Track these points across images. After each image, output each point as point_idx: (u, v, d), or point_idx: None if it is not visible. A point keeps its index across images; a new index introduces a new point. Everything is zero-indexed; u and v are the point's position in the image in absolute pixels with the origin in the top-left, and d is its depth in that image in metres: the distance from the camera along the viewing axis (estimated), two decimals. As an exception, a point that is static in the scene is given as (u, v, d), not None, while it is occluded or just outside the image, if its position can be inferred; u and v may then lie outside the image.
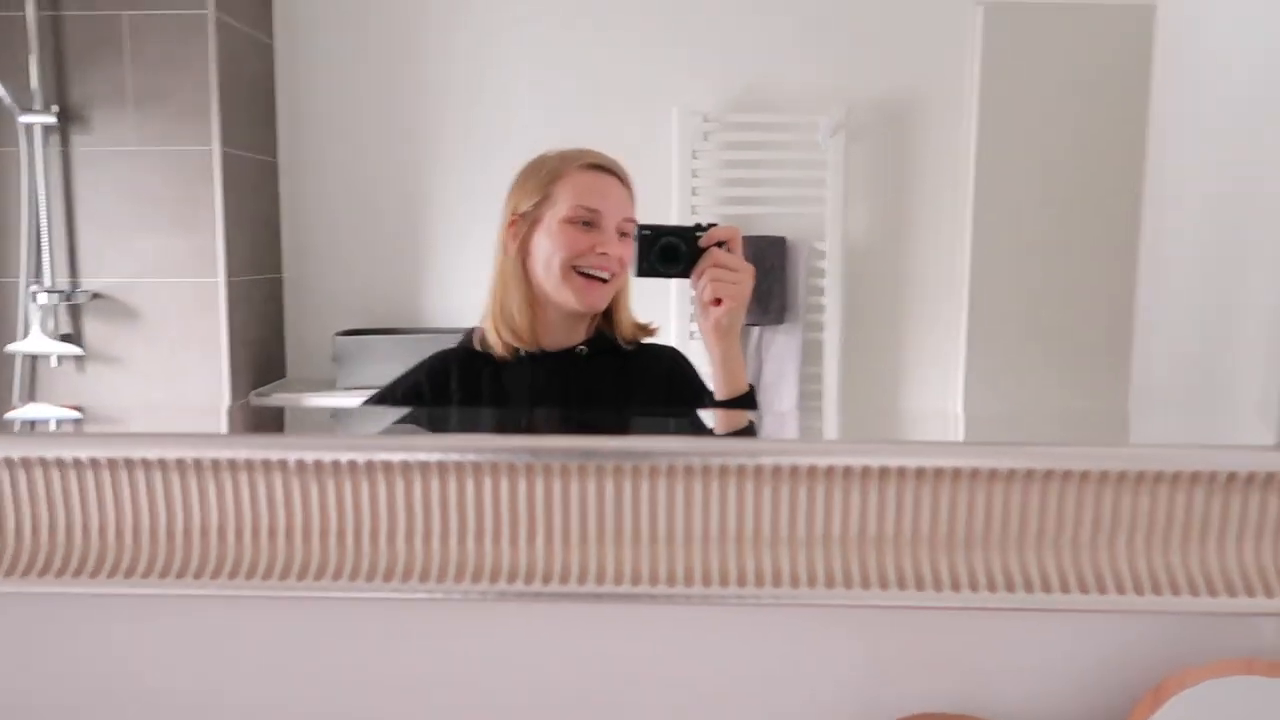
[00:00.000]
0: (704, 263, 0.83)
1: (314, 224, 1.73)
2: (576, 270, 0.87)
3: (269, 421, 0.80)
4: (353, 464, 0.56)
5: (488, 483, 0.56)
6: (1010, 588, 0.59)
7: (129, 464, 0.56)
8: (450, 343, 0.94)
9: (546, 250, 0.87)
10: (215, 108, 1.47)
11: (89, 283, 1.49)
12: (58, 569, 0.55)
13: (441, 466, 0.56)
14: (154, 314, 1.50)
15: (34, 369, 1.45)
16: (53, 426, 0.66)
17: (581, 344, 0.91)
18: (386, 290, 1.72)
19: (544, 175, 0.89)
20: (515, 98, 1.69)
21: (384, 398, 0.91)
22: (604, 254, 0.86)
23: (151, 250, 1.49)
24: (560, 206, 0.87)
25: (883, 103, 1.75)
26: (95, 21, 1.51)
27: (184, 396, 1.46)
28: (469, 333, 0.92)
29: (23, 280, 1.49)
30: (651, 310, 0.96)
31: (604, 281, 0.87)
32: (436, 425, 0.72)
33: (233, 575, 0.57)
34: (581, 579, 0.58)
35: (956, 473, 0.57)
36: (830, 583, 0.59)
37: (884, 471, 0.57)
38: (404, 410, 0.80)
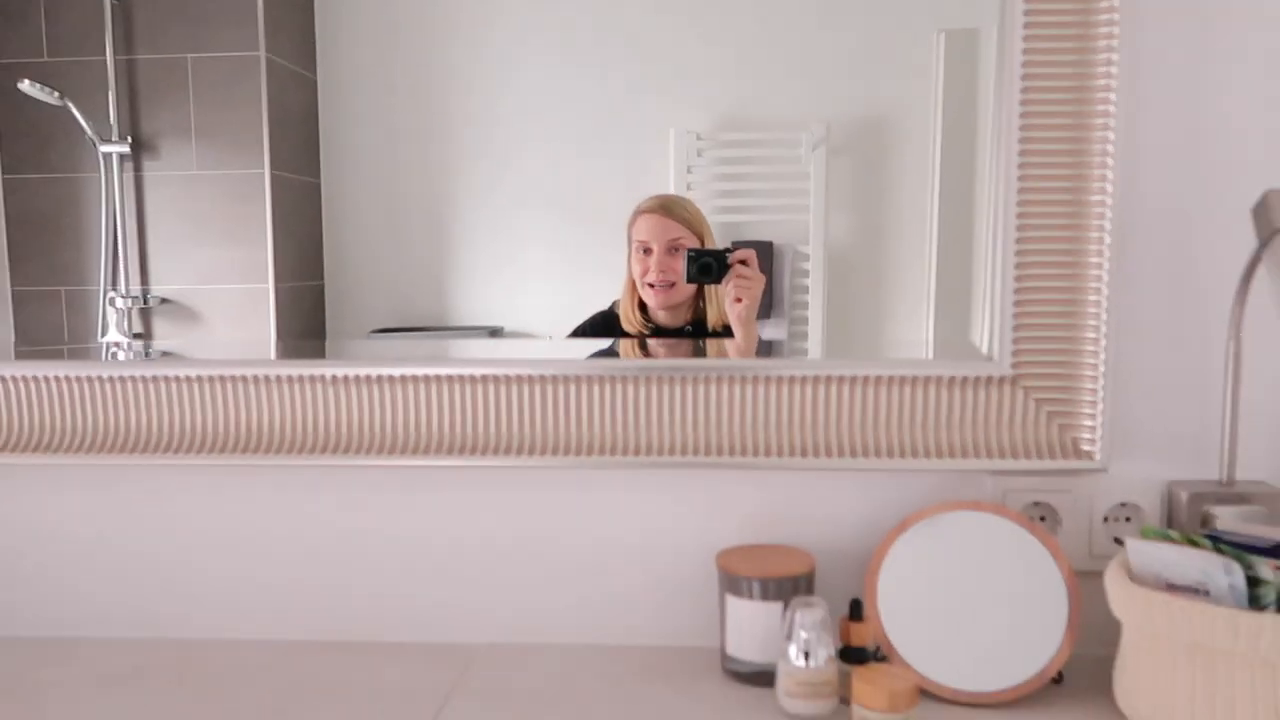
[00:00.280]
0: (730, 274, 1.33)
1: (351, 237, 1.95)
2: (647, 283, 1.39)
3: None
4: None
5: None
6: (820, 454, 0.94)
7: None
8: (472, 338, 1.32)
9: (632, 270, 1.41)
10: (266, 137, 1.69)
11: (158, 289, 1.71)
12: (169, 447, 0.87)
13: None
14: (212, 316, 1.72)
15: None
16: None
17: (687, 324, 1.40)
18: (415, 294, 1.94)
19: (629, 220, 1.45)
20: (530, 125, 1.91)
21: (579, 332, 1.45)
22: (659, 272, 1.39)
23: (210, 261, 1.71)
24: (632, 242, 1.42)
25: (859, 121, 1.96)
26: (164, 64, 1.73)
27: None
28: (614, 304, 1.44)
29: (102, 288, 1.71)
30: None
31: (668, 287, 1.39)
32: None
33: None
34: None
35: (805, 379, 0.94)
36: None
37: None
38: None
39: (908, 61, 1.94)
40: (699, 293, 1.45)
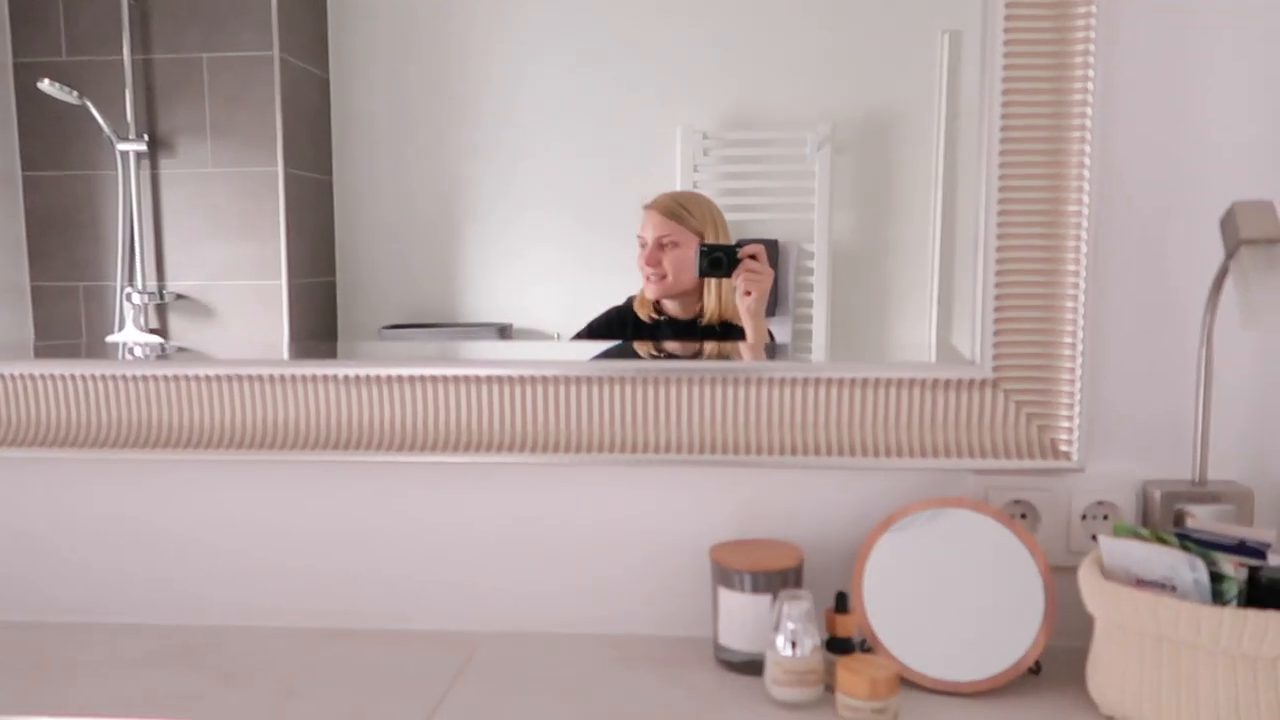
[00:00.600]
0: (740, 268, 1.41)
1: (363, 234, 2.02)
2: (644, 274, 1.53)
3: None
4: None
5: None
6: (809, 453, 0.99)
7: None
8: (481, 335, 1.39)
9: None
10: (279, 135, 1.76)
11: (173, 285, 1.79)
12: (192, 442, 0.95)
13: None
14: (226, 311, 1.79)
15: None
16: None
17: (697, 316, 1.54)
18: (425, 290, 2.01)
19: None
20: (539, 125, 1.97)
21: (584, 334, 1.58)
22: (647, 266, 1.53)
23: (225, 257, 1.78)
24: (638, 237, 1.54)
25: (863, 120, 2.02)
26: (180, 63, 1.80)
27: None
28: (630, 299, 1.59)
29: (119, 283, 1.79)
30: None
31: (660, 279, 1.53)
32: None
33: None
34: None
35: (795, 381, 1.00)
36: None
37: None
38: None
39: (912, 61, 2.00)
40: (703, 285, 1.53)
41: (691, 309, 1.55)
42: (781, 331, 2.02)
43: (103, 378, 1.20)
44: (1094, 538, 1.09)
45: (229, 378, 1.18)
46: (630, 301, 1.55)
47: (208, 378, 1.18)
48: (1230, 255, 1.00)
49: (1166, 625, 0.89)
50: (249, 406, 1.17)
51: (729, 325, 1.54)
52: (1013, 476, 1.11)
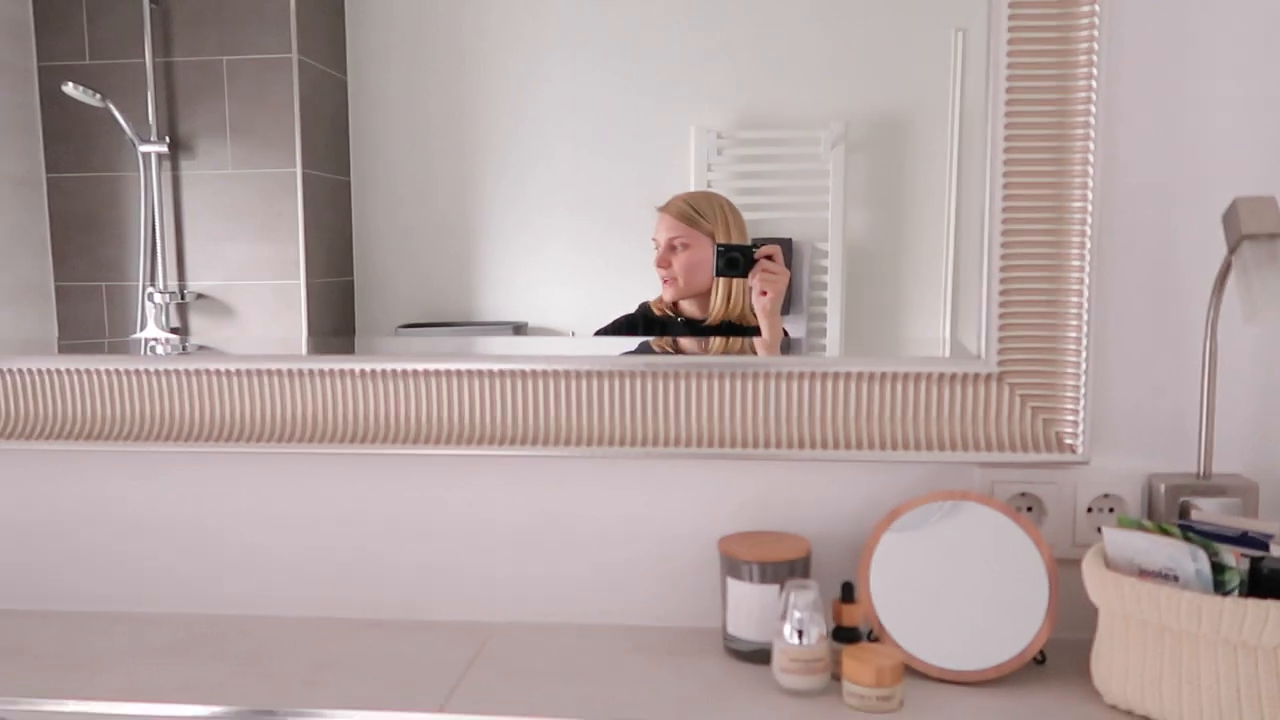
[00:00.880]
0: (756, 268, 1.46)
1: (380, 234, 2.06)
2: (660, 276, 1.53)
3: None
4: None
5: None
6: (818, 446, 1.01)
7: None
8: (496, 334, 1.45)
9: None
10: (297, 136, 1.81)
11: (194, 285, 1.83)
12: (213, 435, 0.98)
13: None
14: (246, 310, 1.83)
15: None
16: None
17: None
18: (442, 290, 2.04)
19: None
20: (555, 124, 2.00)
21: (605, 331, 1.58)
22: (662, 267, 1.54)
23: (244, 257, 1.83)
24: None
25: (877, 118, 2.04)
26: (200, 66, 1.84)
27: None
28: (644, 304, 1.60)
29: (140, 283, 1.84)
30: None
31: (672, 280, 1.54)
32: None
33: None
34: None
35: (803, 375, 1.04)
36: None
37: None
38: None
39: (926, 59, 2.02)
40: (715, 285, 1.55)
41: (707, 309, 1.56)
42: (796, 330, 2.05)
43: (126, 372, 1.25)
44: (1099, 530, 1.11)
45: (249, 372, 1.22)
46: (642, 308, 1.58)
47: (229, 372, 1.23)
48: (1232, 250, 1.02)
49: (1168, 615, 0.92)
50: (269, 401, 1.21)
51: (743, 325, 1.55)
52: (1018, 470, 1.14)
